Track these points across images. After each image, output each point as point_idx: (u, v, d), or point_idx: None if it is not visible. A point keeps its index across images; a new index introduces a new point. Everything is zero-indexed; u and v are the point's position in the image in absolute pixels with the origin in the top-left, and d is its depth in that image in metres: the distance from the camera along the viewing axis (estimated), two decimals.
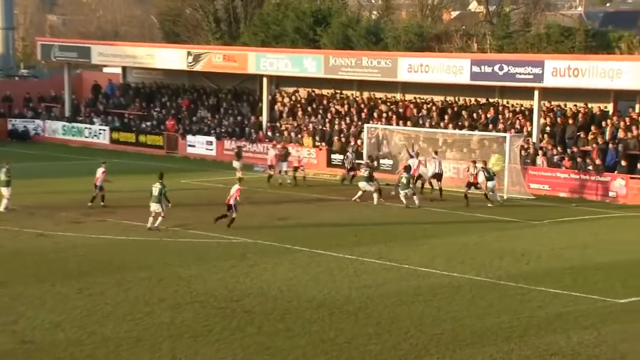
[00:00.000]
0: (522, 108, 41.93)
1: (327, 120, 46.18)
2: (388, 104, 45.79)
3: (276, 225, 30.07)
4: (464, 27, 53.35)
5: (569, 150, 37.77)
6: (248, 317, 19.29)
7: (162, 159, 47.21)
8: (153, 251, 25.85)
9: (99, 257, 24.90)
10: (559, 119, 39.69)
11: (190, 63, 49.56)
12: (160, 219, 28.13)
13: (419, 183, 36.28)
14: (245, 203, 34.44)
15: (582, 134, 38.42)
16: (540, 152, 38.20)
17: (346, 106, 46.90)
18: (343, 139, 44.04)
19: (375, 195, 33.86)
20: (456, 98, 44.36)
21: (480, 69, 39.35)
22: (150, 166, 42.77)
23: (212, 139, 48.44)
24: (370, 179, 34.23)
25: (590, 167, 36.34)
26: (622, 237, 28.91)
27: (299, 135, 45.83)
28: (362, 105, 46.23)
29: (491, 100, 43.39)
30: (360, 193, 34.24)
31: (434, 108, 43.73)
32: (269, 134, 47.22)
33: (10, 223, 29.14)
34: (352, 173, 38.67)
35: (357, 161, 38.73)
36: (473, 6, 79.67)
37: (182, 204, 33.61)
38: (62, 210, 31.28)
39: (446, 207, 33.80)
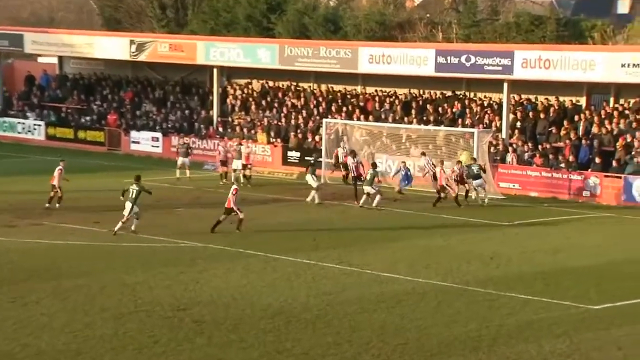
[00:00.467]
0: (491, 102, 42.32)
1: (282, 114, 46.18)
2: (348, 97, 45.92)
3: (228, 228, 29.99)
4: (428, 15, 53.69)
5: (540, 147, 38.21)
6: (197, 327, 19.21)
7: (103, 156, 46.83)
8: (94, 257, 25.64)
9: (34, 263, 24.63)
10: (529, 114, 40.13)
11: (133, 53, 49.20)
12: (135, 221, 27.91)
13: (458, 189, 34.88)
14: (195, 204, 34.32)
15: (553, 130, 38.90)
16: (510, 149, 38.59)
17: (303, 99, 46.94)
18: (300, 135, 44.08)
19: (378, 197, 33.26)
20: (420, 91, 44.63)
21: (446, 60, 39.63)
22: (90, 164, 42.40)
23: (158, 135, 48.15)
24: (372, 180, 33.56)
25: (562, 165, 36.80)
26: (597, 240, 29.33)
27: (252, 131, 45.77)
28: (320, 99, 46.30)
29: (458, 93, 43.73)
30: (364, 198, 33.54)
31: (397, 102, 43.95)
32: (220, 129, 47.09)
33: None
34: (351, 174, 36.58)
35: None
36: None
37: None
38: None
39: (410, 208, 33.99)
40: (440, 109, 42.62)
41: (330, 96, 46.61)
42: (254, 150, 42.06)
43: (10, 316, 19.70)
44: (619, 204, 35.32)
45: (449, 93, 43.76)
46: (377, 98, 45.04)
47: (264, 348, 18.04)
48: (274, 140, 44.59)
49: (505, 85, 39.13)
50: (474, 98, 43.39)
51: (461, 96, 43.55)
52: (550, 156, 37.31)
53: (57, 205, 32.01)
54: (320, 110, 45.19)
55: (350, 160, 36.06)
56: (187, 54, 47.51)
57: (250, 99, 48.49)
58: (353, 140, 41.66)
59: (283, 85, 49.19)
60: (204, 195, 36.70)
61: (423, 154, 37.01)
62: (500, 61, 38.25)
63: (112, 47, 50.09)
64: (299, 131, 44.38)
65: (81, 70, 55.59)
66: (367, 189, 33.59)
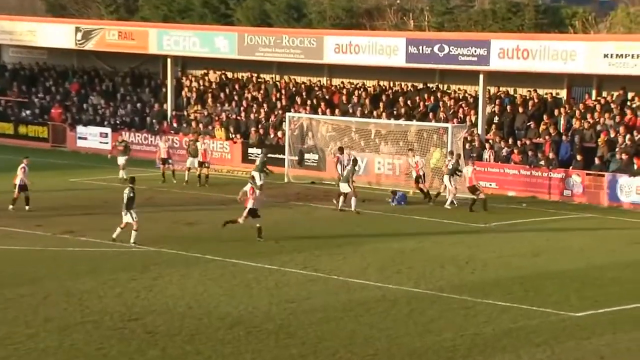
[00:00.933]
0: (466, 95, 42.56)
1: (242, 108, 46.10)
2: (314, 89, 45.95)
3: (183, 231, 29.89)
4: (398, 2, 53.87)
5: (518, 143, 38.47)
6: (150, 339, 19.14)
7: (47, 153, 46.46)
8: (37, 262, 25.44)
9: None
10: (507, 108, 40.40)
11: (79, 41, 48.85)
12: (135, 233, 27.30)
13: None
14: (148, 206, 34.15)
15: (532, 125, 39.19)
16: (486, 145, 38.83)
17: (264, 92, 46.89)
18: (261, 131, 44.04)
19: (353, 200, 32.80)
20: (390, 83, 44.77)
21: (418, 50, 39.78)
22: (32, 162, 41.98)
23: (107, 130, 47.87)
24: (349, 177, 33.16)
25: (542, 162, 37.10)
26: (578, 242, 29.60)
27: (210, 126, 45.65)
28: (283, 91, 46.28)
29: (430, 85, 43.93)
30: (341, 199, 32.99)
31: (365, 94, 44.05)
32: (175, 124, 46.91)
33: None
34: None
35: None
36: None
37: (71, 206, 33.15)
38: None
39: (380, 209, 34.08)
40: (411, 102, 42.78)
41: (293, 88, 46.62)
42: (212, 146, 41.92)
43: None
44: (601, 204, 35.67)
45: (420, 85, 43.94)
46: (344, 90, 45.11)
47: None
48: (233, 136, 44.50)
49: (481, 77, 39.35)
50: (448, 91, 43.61)
51: (434, 89, 43.74)
52: (530, 153, 37.59)
53: (27, 207, 31.77)
54: (283, 103, 45.18)
55: (342, 158, 35.80)
56: (138, 43, 47.26)
57: (207, 92, 48.35)
58: (319, 136, 41.75)
59: (243, 77, 49.10)
60: (157, 195, 36.53)
61: (410, 150, 36.95)
62: (475, 51, 38.46)
63: (56, 34, 49.69)
64: (260, 126, 44.34)
65: (22, 60, 55.11)
66: (343, 187, 33.19)
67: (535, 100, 40.10)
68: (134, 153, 45.28)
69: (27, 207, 31.82)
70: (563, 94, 40.94)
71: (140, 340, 19.01)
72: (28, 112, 51.11)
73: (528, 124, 39.30)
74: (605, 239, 30.07)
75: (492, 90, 41.56)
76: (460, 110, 41.08)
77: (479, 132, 39.63)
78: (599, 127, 37.61)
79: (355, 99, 43.83)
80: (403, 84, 44.53)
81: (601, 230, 31.67)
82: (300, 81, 47.13)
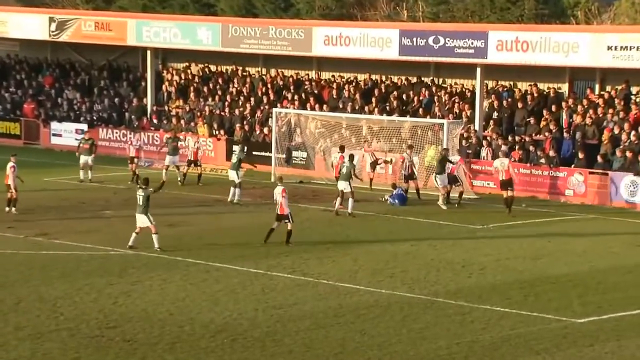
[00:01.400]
0: (462, 89, 42.63)
1: (226, 103, 46.07)
2: (303, 83, 45.95)
3: (164, 233, 29.83)
4: None
5: (518, 140, 38.51)
6: (129, 348, 19.12)
7: (19, 151, 46.02)
8: (8, 267, 25.37)
9: None
10: (505, 103, 40.48)
11: (53, 32, 48.75)
12: (156, 237, 27.08)
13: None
14: (126, 206, 34.09)
15: (532, 121, 39.28)
16: (484, 143, 38.90)
17: (249, 86, 46.87)
18: (246, 127, 44.03)
19: (351, 201, 32.64)
20: (383, 77, 44.81)
21: (412, 42, 39.83)
22: (3, 160, 41.81)
23: (83, 126, 47.76)
24: (349, 175, 32.90)
25: (542, 160, 37.17)
26: (581, 245, 29.67)
27: (192, 123, 45.61)
28: (270, 85, 46.28)
29: (424, 79, 43.99)
30: (337, 200, 32.80)
31: (356, 89, 44.07)
32: (155, 120, 46.86)
33: None
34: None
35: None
36: None
37: (45, 207, 33.07)
38: None
39: (372, 210, 34.10)
40: (405, 97, 42.83)
41: (280, 82, 46.62)
42: (196, 145, 41.67)
43: None
44: (605, 204, 35.77)
45: (414, 79, 44.00)
46: (334, 85, 45.13)
47: None
48: (216, 132, 44.47)
49: (478, 70, 39.42)
50: (443, 85, 43.68)
51: (429, 83, 43.81)
52: (532, 149, 37.56)
53: (13, 209, 31.79)
54: (270, 98, 45.17)
55: (333, 158, 35.70)
56: (115, 34, 47.19)
57: (189, 86, 48.31)
58: (307, 133, 41.76)
59: (227, 70, 49.08)
60: (136, 196, 36.43)
61: (410, 147, 37.02)
62: (472, 43, 38.53)
63: (29, 25, 49.57)
64: (245, 122, 44.32)
65: None
66: (342, 185, 32.89)
67: (535, 95, 40.20)
68: (111, 151, 45.29)
69: (13, 209, 31.78)
70: (565, 88, 41.05)
71: (118, 349, 18.97)
72: None
73: (528, 119, 39.39)
74: (609, 242, 30.15)
75: (490, 84, 41.65)
76: (457, 105, 41.15)
77: (476, 128, 39.70)
78: (604, 124, 37.66)
79: (345, 94, 43.86)
80: (396, 77, 44.58)
81: (604, 232, 31.74)
82: (288, 75, 47.13)
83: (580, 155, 36.67)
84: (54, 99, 50.38)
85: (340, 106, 43.09)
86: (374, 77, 44.93)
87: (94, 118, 48.27)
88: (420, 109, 41.38)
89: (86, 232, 29.60)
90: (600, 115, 38.02)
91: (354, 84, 44.74)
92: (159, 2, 53.52)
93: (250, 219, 32.47)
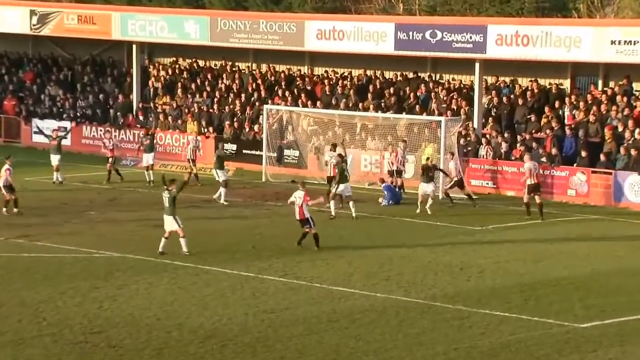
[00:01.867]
0: (460, 85, 42.71)
1: (215, 100, 46.10)
2: (295, 79, 45.98)
3: (151, 234, 29.87)
4: None
5: (519, 138, 38.60)
6: (114, 354, 19.13)
7: (0, 149, 46.28)
8: None
9: None
10: (505, 99, 40.56)
11: (34, 26, 48.72)
12: (184, 240, 26.94)
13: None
14: (111, 207, 34.12)
15: (533, 118, 39.36)
16: (483, 141, 38.99)
17: (239, 82, 46.90)
18: (236, 124, 44.06)
19: (352, 203, 32.57)
20: (378, 72, 44.87)
21: (408, 36, 39.89)
22: None
23: (66, 123, 47.75)
24: (345, 177, 32.91)
25: (543, 159, 37.25)
26: (583, 247, 29.75)
27: (179, 120, 45.63)
28: (260, 81, 46.32)
29: (421, 75, 44.05)
30: (332, 203, 32.64)
31: (350, 85, 44.14)
32: (141, 117, 46.86)
33: None
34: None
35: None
36: None
37: (26, 208, 33.06)
38: None
39: (367, 211, 34.17)
40: (401, 93, 42.89)
41: (271, 78, 46.65)
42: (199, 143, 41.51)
43: None
44: (608, 205, 35.87)
45: (411, 75, 44.07)
46: (327, 81, 45.17)
47: None
48: (205, 130, 44.50)
49: (477, 65, 39.50)
50: (441, 81, 43.75)
51: (425, 78, 43.87)
52: (534, 146, 37.60)
53: (16, 210, 31.92)
54: (261, 95, 45.20)
55: (327, 157, 35.66)
56: (100, 28, 47.17)
57: (177, 82, 48.31)
58: (299, 131, 41.80)
59: (216, 65, 49.09)
60: (122, 196, 36.51)
61: (403, 141, 37.09)
62: (470, 37, 38.61)
63: (9, 18, 49.53)
64: (235, 120, 44.36)
65: None
66: (342, 188, 32.75)
67: (536, 91, 40.29)
68: (96, 149, 45.18)
69: (15, 210, 32.01)
70: (566, 84, 41.14)
71: (103, 355, 18.99)
72: None
73: (528, 116, 39.48)
74: (612, 244, 30.24)
75: (489, 80, 41.72)
76: (455, 102, 41.22)
77: (475, 126, 39.78)
78: (608, 121, 37.73)
79: (339, 90, 43.91)
80: (392, 73, 44.63)
81: (608, 233, 31.83)
82: (279, 70, 47.17)
83: (583, 154, 36.76)
84: (36, 95, 50.34)
85: (334, 103, 43.14)
86: (368, 72, 44.99)
87: (78, 115, 48.24)
88: (417, 106, 41.44)
89: (70, 234, 29.60)
90: (604, 112, 38.12)
91: (348, 79, 44.80)
92: None
93: (241, 220, 32.49)
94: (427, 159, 35.46)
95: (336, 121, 40.89)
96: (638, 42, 35.50)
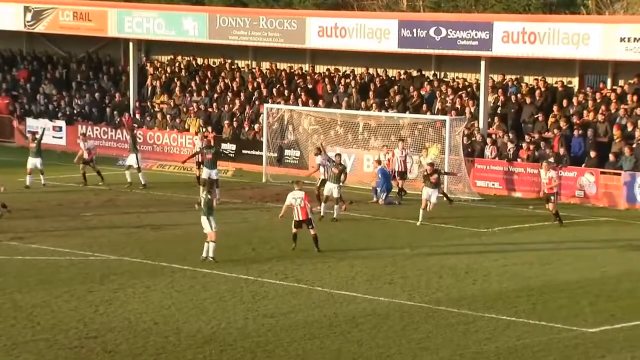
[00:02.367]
0: (466, 83, 42.69)
1: (214, 98, 46.08)
2: (295, 77, 45.97)
3: (148, 236, 29.86)
4: None
5: (526, 138, 38.54)
6: (110, 359, 19.12)
7: None
8: None
9: None
10: (511, 98, 40.54)
11: (29, 22, 48.72)
12: (213, 245, 26.74)
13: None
14: (107, 208, 34.12)
15: (540, 117, 39.34)
16: (489, 140, 38.96)
17: (239, 80, 46.89)
18: (235, 124, 44.04)
19: (338, 205, 32.60)
20: (381, 70, 44.86)
21: (412, 33, 39.87)
22: None
23: (61, 123, 47.76)
24: (339, 179, 32.85)
25: (551, 159, 37.21)
26: (592, 249, 29.74)
27: (178, 119, 45.60)
28: (260, 80, 46.30)
29: (425, 73, 44.04)
30: (325, 204, 32.63)
31: (352, 83, 44.12)
32: (138, 116, 46.85)
33: None
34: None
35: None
36: None
37: (20, 209, 33.06)
38: None
39: (369, 212, 34.13)
40: (405, 92, 42.87)
41: (272, 76, 46.63)
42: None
43: None
44: (618, 206, 35.84)
45: (415, 73, 44.05)
46: (328, 79, 45.15)
47: None
48: (204, 130, 44.43)
49: (483, 63, 39.48)
50: (445, 79, 43.73)
51: (430, 77, 43.86)
52: (542, 146, 37.56)
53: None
54: (261, 93, 45.18)
55: (319, 159, 35.64)
56: (95, 24, 47.17)
57: (175, 80, 48.30)
58: (300, 130, 41.77)
59: (215, 63, 49.07)
60: (118, 197, 36.50)
61: (402, 140, 37.02)
62: (476, 34, 38.59)
63: (2, 15, 49.53)
64: (234, 119, 44.34)
65: None
66: (335, 190, 32.66)
67: (544, 90, 40.27)
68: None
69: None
70: (575, 82, 41.13)
71: None
72: None
73: (535, 116, 39.44)
74: (622, 246, 30.21)
75: (496, 78, 41.71)
76: (460, 100, 41.20)
77: (481, 125, 39.77)
78: (617, 120, 37.68)
79: (341, 89, 43.90)
80: (395, 71, 44.62)
81: (617, 235, 31.80)
82: (280, 68, 47.15)
83: (592, 154, 36.73)
84: (30, 94, 50.33)
85: (335, 101, 43.12)
86: (371, 70, 44.97)
87: (74, 113, 48.22)
88: (424, 105, 41.41)
89: (65, 236, 29.59)
90: (613, 112, 38.09)
91: (350, 78, 44.77)
92: None
93: (240, 221, 32.48)
94: (431, 159, 35.45)
95: (338, 120, 40.86)
96: None
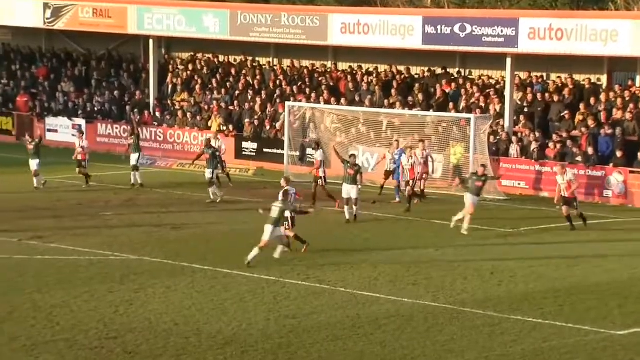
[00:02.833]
0: (491, 81, 42.60)
1: (235, 96, 46.15)
2: (316, 75, 46.00)
3: (168, 236, 29.92)
4: None
5: (554, 137, 38.41)
6: None
7: (12, 147, 46.52)
8: (1, 273, 25.46)
9: None
10: (538, 96, 40.43)
11: (48, 19, 48.93)
12: (280, 249, 26.82)
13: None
14: (128, 208, 34.23)
15: (567, 115, 39.21)
16: (514, 139, 38.87)
17: (260, 78, 46.94)
18: (256, 122, 44.09)
19: (353, 208, 32.27)
20: (405, 68, 44.81)
21: (436, 30, 39.82)
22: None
23: (81, 121, 47.92)
24: (355, 180, 32.52)
25: (578, 159, 37.11)
26: (621, 250, 29.62)
27: (198, 117, 45.69)
28: (282, 77, 46.35)
29: (450, 70, 43.98)
30: (342, 207, 32.57)
31: (375, 81, 44.10)
32: (158, 114, 46.98)
33: None
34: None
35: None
36: None
37: (40, 208, 33.21)
38: None
39: (393, 212, 34.11)
40: (429, 89, 42.82)
41: (294, 74, 46.66)
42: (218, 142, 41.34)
43: None
44: None
45: (439, 70, 43.99)
46: (350, 77, 45.14)
47: None
48: (224, 128, 44.55)
49: (509, 60, 39.39)
50: (470, 77, 43.67)
51: (454, 74, 43.79)
52: (570, 145, 37.40)
53: None
54: (282, 91, 45.22)
55: (318, 155, 35.65)
56: (115, 21, 47.33)
57: (195, 78, 48.40)
58: (322, 128, 41.78)
59: (235, 61, 49.15)
60: (139, 197, 36.60)
61: (422, 141, 36.98)
62: (502, 31, 38.50)
63: (22, 12, 49.75)
64: (255, 117, 44.39)
65: None
66: (353, 191, 32.51)
67: (571, 87, 40.13)
68: (111, 147, 45.34)
69: None
70: (603, 79, 40.98)
71: None
72: None
73: (562, 114, 39.32)
74: None
75: (522, 76, 41.59)
76: (484, 98, 41.11)
77: (506, 124, 39.68)
78: None
79: (364, 86, 43.89)
80: (419, 68, 44.58)
81: None
82: (302, 66, 47.18)
83: (620, 153, 36.58)
84: (49, 92, 50.54)
85: (358, 99, 43.10)
86: (395, 68, 44.93)
87: (93, 111, 48.39)
88: (450, 103, 41.34)
89: (84, 236, 29.70)
90: None
91: (373, 75, 44.75)
92: None
93: (262, 221, 32.46)
94: (457, 160, 35.39)
95: (360, 118, 40.83)
96: None
